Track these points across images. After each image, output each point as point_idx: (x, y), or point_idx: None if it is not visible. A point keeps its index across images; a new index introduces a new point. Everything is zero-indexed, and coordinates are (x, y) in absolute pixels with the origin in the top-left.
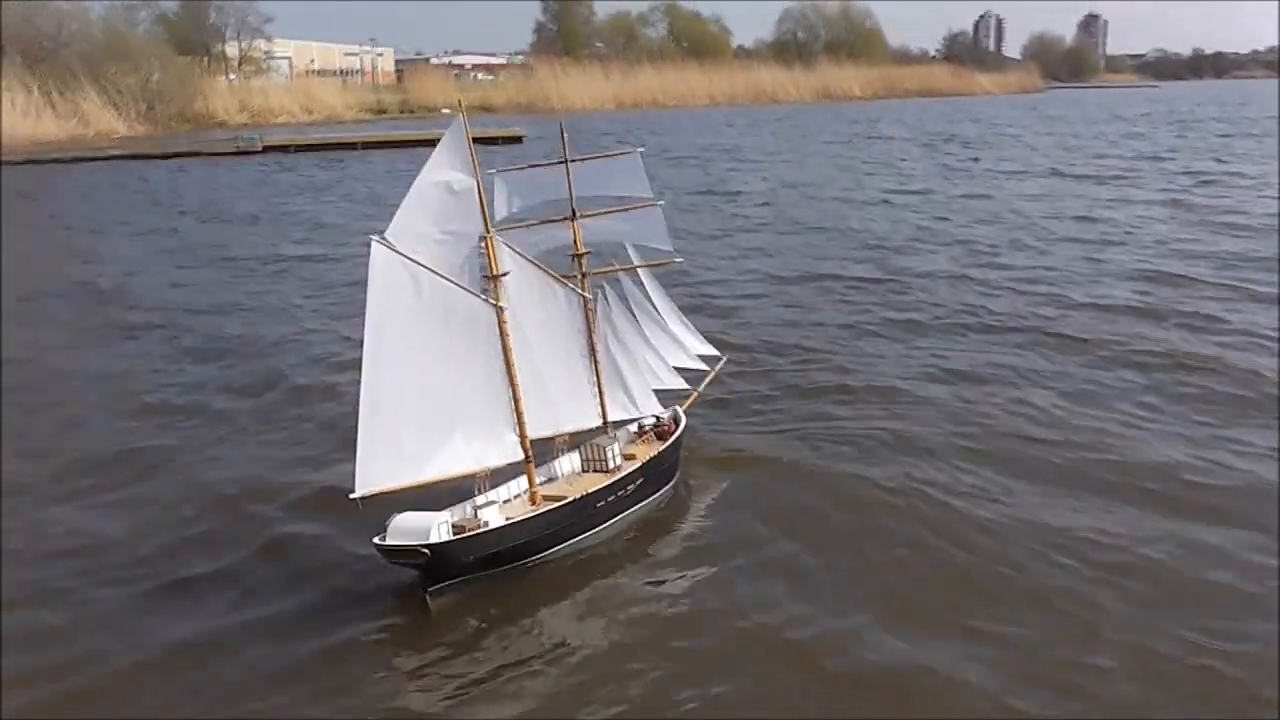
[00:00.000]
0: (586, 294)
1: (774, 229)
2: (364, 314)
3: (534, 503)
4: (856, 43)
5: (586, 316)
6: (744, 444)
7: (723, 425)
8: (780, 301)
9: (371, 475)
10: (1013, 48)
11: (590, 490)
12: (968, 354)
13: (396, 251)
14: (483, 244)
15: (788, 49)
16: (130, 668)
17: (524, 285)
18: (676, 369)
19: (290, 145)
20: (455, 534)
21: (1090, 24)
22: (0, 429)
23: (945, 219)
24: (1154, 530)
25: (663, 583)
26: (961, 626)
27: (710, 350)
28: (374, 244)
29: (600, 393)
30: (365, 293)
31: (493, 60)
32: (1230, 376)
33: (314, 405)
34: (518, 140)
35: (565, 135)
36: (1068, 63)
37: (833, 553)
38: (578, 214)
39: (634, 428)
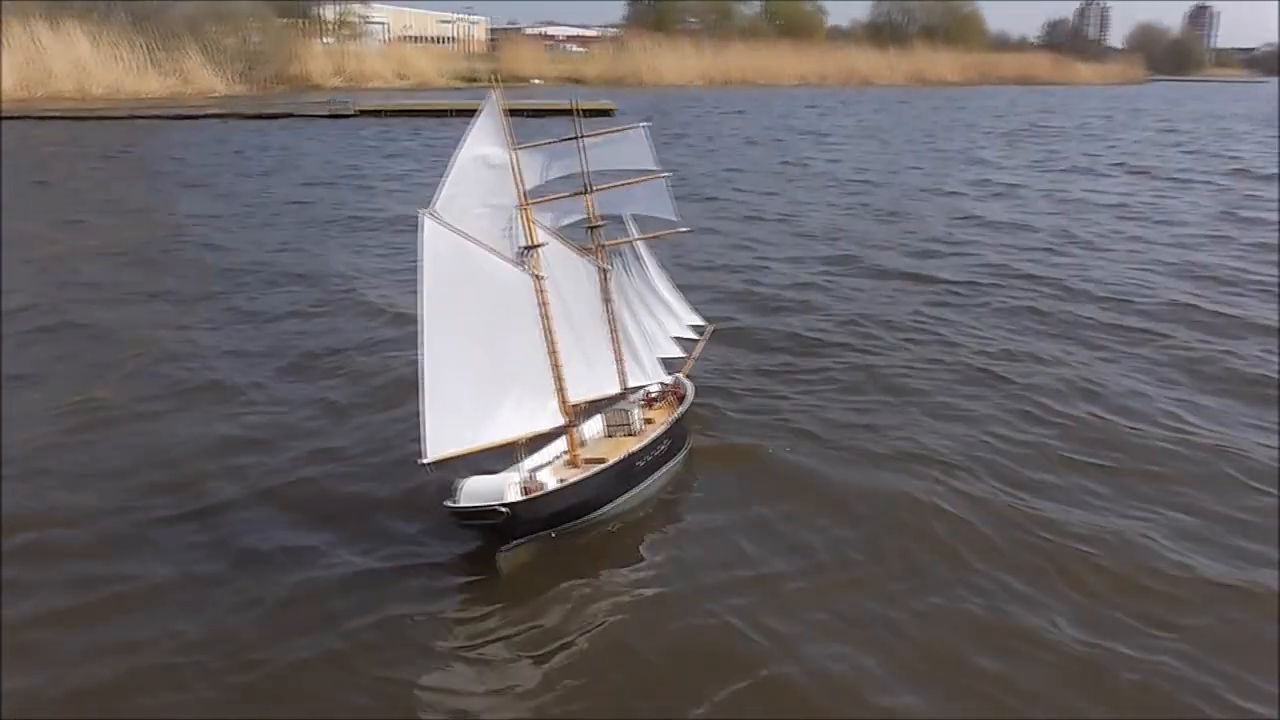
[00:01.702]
0: (604, 265)
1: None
2: (415, 285)
3: (575, 466)
4: (954, 27)
5: (604, 286)
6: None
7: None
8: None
9: (439, 441)
10: (1116, 38)
11: (633, 449)
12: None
13: (446, 225)
14: (518, 215)
15: (882, 31)
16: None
17: (555, 256)
18: (674, 338)
19: (382, 110)
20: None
21: (1199, 16)
22: (0, 412)
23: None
24: None
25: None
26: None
27: (699, 320)
28: (426, 218)
29: (619, 359)
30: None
31: (585, 32)
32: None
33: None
34: (608, 113)
35: (579, 112)
36: (1172, 55)
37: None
38: (592, 188)
39: (641, 394)
